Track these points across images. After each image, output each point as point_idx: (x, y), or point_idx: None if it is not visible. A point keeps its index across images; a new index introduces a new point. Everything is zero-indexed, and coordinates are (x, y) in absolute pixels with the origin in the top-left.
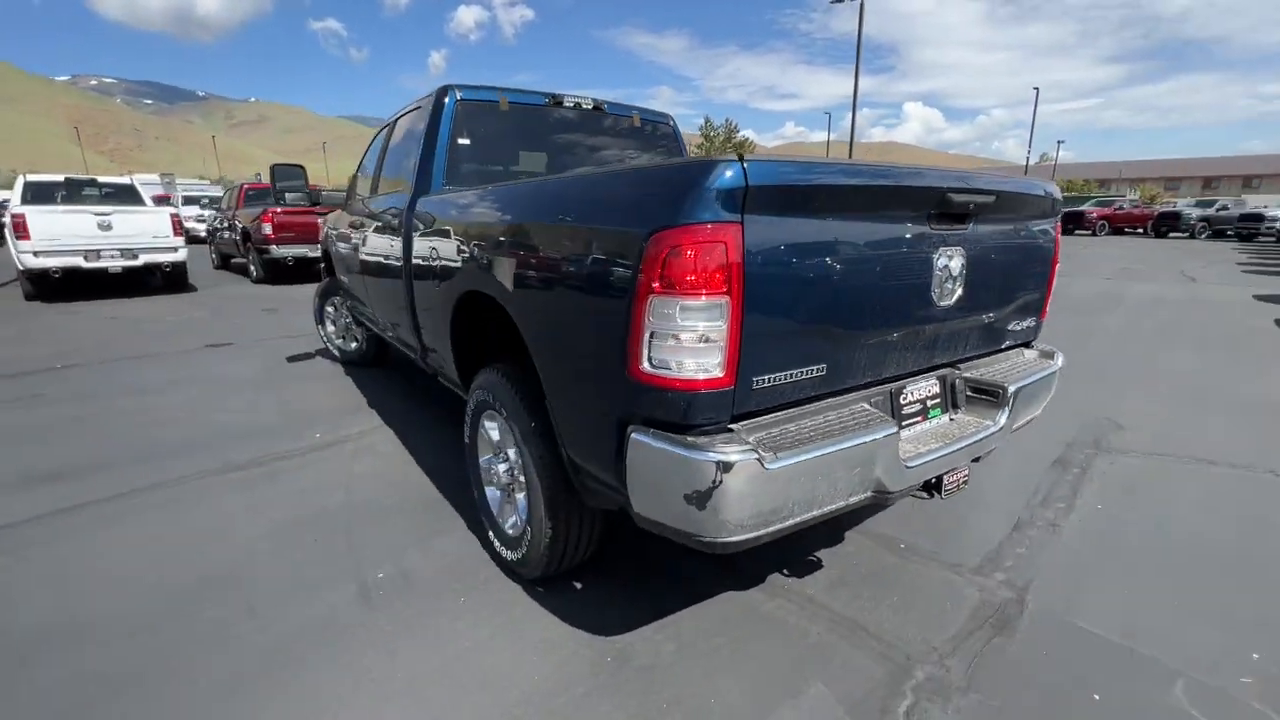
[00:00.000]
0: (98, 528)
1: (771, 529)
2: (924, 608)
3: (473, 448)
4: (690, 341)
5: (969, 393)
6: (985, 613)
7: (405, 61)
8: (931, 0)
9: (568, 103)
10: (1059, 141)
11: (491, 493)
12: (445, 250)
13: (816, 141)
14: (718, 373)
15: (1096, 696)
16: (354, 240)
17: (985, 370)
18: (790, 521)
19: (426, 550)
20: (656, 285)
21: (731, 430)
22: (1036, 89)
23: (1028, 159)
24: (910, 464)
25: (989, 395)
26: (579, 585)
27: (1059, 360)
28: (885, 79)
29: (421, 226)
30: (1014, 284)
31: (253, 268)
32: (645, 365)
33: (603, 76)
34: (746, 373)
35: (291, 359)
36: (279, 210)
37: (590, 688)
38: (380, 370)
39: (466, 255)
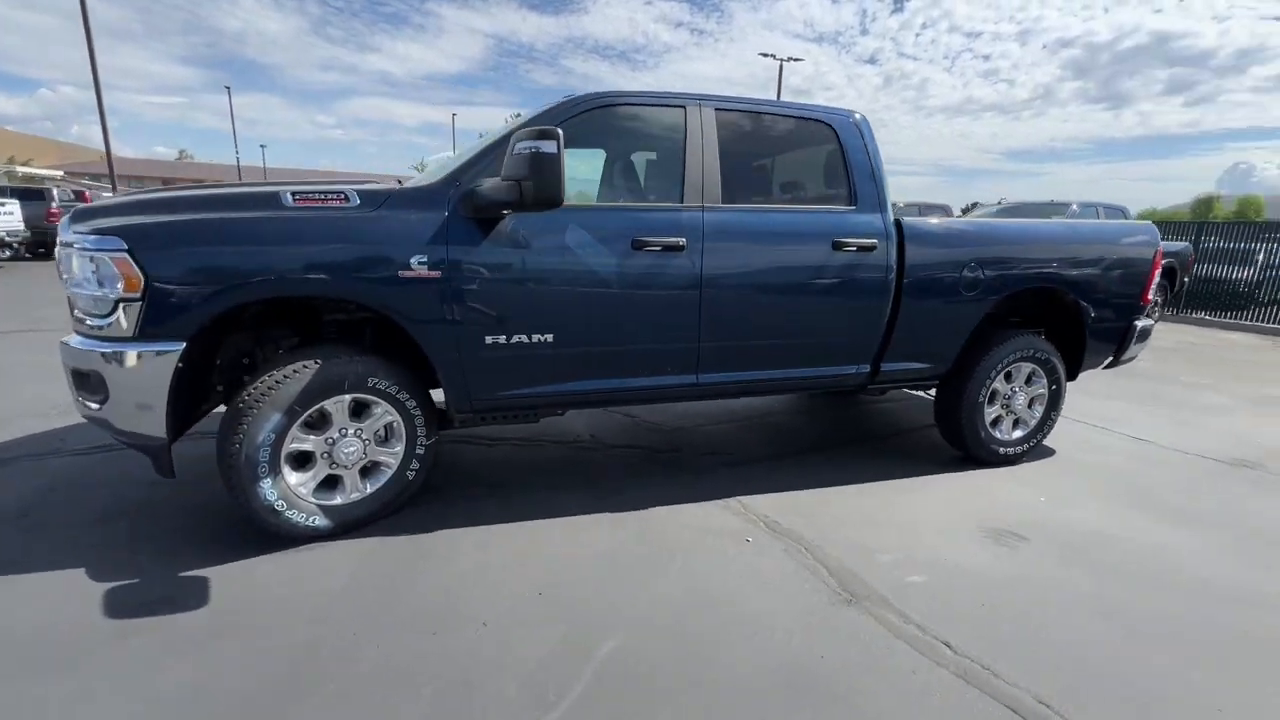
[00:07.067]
0: None
1: None
2: None
3: (981, 403)
4: (1157, 286)
5: None
6: None
7: None
8: None
9: None
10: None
11: (992, 421)
12: (994, 264)
13: None
14: (1158, 297)
15: None
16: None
17: None
18: None
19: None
20: (1159, 267)
21: None
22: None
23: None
24: None
25: None
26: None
27: None
28: None
29: (947, 247)
30: None
31: None
32: (1149, 295)
33: None
34: None
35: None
36: None
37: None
38: (429, 509)
39: (1031, 266)
